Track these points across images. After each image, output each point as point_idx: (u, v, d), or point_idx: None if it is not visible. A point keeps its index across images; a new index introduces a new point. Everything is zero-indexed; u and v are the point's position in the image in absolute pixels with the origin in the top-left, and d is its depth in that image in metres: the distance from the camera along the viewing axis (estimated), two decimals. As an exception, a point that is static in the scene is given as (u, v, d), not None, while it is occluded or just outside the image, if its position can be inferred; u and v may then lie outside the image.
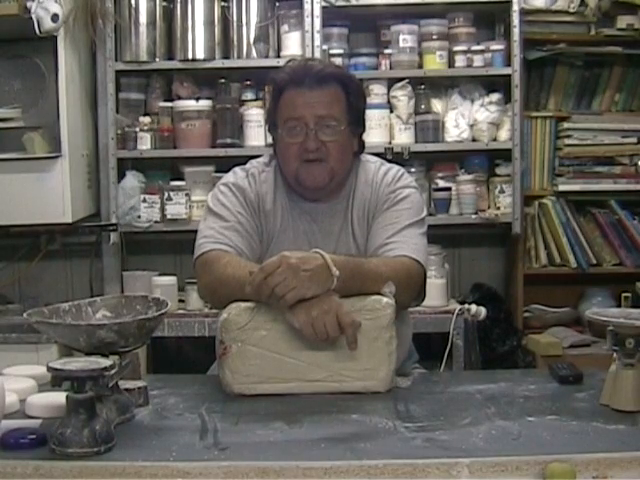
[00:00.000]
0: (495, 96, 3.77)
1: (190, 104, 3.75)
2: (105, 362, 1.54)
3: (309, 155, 2.11)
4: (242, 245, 2.09)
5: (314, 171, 2.11)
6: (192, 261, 2.13)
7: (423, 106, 3.80)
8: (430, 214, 3.66)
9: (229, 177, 2.22)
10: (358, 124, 2.20)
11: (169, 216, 3.71)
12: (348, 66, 3.75)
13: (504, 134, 3.78)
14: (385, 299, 1.89)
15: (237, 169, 2.25)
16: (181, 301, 3.68)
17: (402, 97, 3.74)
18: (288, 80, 2.13)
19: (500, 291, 3.97)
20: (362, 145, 2.25)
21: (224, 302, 1.92)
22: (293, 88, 2.12)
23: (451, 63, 3.77)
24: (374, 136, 3.67)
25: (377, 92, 3.76)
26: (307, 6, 3.69)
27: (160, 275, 3.74)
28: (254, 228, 2.14)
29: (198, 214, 3.61)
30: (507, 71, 3.72)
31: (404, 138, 3.76)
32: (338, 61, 3.71)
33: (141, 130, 3.75)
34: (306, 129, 2.10)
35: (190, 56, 3.73)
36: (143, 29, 3.71)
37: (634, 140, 3.87)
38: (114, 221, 3.76)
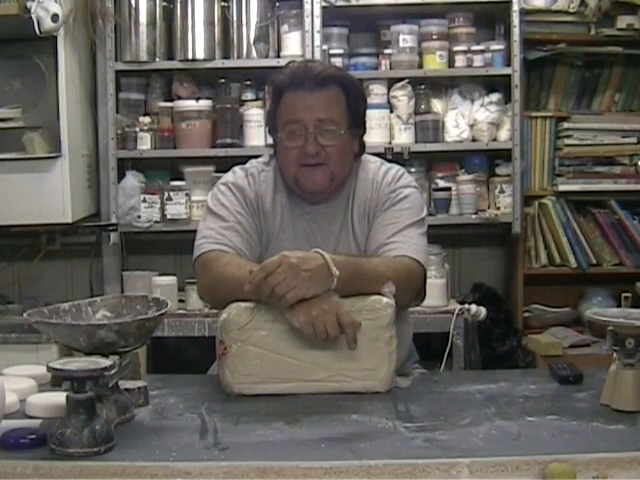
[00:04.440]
0: (495, 96, 3.77)
1: (190, 104, 3.74)
2: (105, 362, 1.54)
3: (309, 160, 2.10)
4: (241, 245, 2.09)
5: (314, 175, 2.11)
6: (192, 261, 2.13)
7: (423, 106, 3.80)
8: (430, 214, 3.65)
9: (228, 177, 2.22)
10: (358, 126, 2.19)
11: (169, 216, 3.71)
12: (348, 66, 3.76)
13: (504, 134, 3.78)
14: (385, 299, 1.89)
15: (236, 168, 2.25)
16: (181, 301, 3.69)
17: (402, 97, 3.74)
18: (288, 82, 2.12)
19: (500, 291, 3.97)
20: (363, 146, 2.24)
21: (224, 302, 1.92)
22: (293, 90, 2.11)
23: (451, 63, 3.77)
24: (374, 136, 3.66)
25: (377, 92, 3.76)
26: (307, 6, 3.68)
27: (160, 275, 3.74)
28: (253, 228, 2.14)
29: (198, 214, 3.61)
30: (507, 71, 3.72)
31: (404, 138, 3.76)
32: (338, 61, 3.71)
33: (141, 130, 3.74)
34: (305, 133, 2.09)
35: (190, 56, 3.73)
36: (143, 29, 3.71)
37: (634, 140, 3.87)
38: (114, 221, 3.76)
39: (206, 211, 2.19)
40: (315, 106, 2.09)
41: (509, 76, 3.71)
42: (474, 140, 3.80)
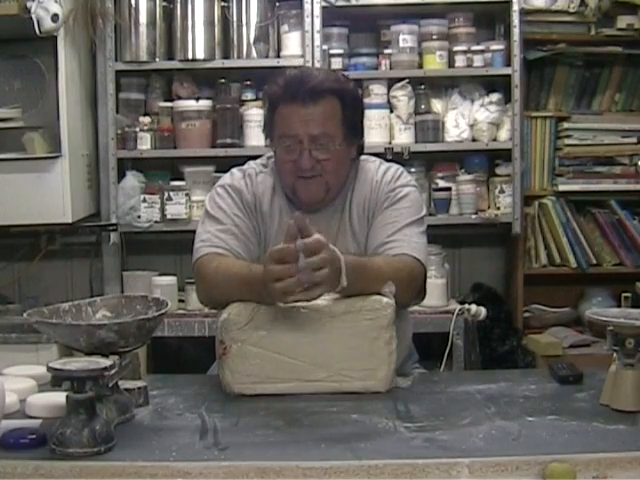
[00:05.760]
0: (495, 96, 3.77)
1: (190, 104, 3.74)
2: (105, 362, 1.54)
3: (304, 173, 2.09)
4: (238, 248, 2.09)
5: (310, 187, 2.11)
6: (192, 264, 2.13)
7: (423, 106, 3.80)
8: (430, 214, 3.66)
9: (226, 178, 2.22)
10: (355, 134, 2.16)
11: (169, 216, 3.71)
12: (348, 66, 3.76)
13: (504, 134, 3.78)
14: (385, 299, 1.89)
15: (234, 170, 2.24)
16: (181, 301, 3.69)
17: (402, 97, 3.74)
18: (281, 94, 2.10)
19: (500, 291, 3.97)
20: (361, 147, 2.23)
21: (222, 304, 1.93)
22: (287, 103, 2.08)
23: (451, 63, 3.77)
24: (374, 136, 3.67)
25: (377, 92, 3.76)
26: (307, 6, 3.68)
27: (160, 275, 3.74)
28: (251, 230, 2.14)
29: (198, 214, 3.60)
30: (507, 71, 3.72)
31: (404, 138, 3.76)
32: (338, 61, 3.72)
33: (141, 130, 3.74)
34: (300, 147, 2.08)
35: (190, 56, 3.73)
36: (143, 29, 3.71)
37: (634, 140, 3.87)
38: (114, 221, 3.76)
39: (204, 214, 2.19)
40: (309, 121, 2.06)
41: (509, 76, 3.71)
42: (474, 140, 3.80)
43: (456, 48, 3.75)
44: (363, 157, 2.25)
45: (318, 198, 2.13)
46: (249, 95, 3.81)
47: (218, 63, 3.76)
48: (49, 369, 1.51)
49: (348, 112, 2.12)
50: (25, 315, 1.70)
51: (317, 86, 2.07)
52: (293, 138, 2.08)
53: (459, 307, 3.44)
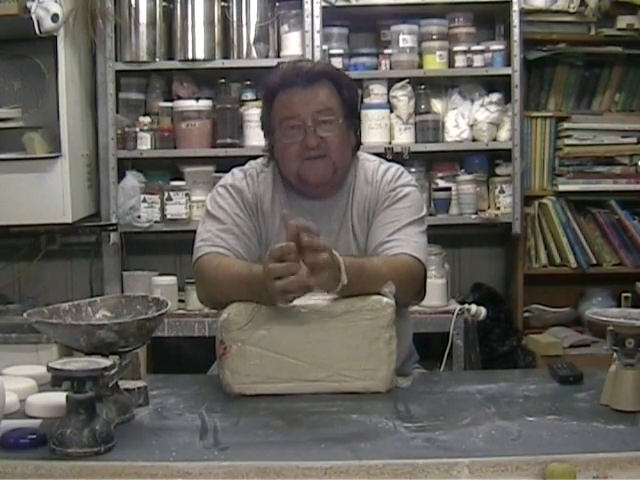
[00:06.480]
0: (495, 96, 3.77)
1: (190, 104, 3.75)
2: (105, 362, 1.54)
3: (310, 152, 2.10)
4: (239, 247, 2.09)
5: (317, 167, 2.11)
6: (192, 263, 2.13)
7: (423, 106, 3.80)
8: (430, 214, 3.66)
9: (227, 178, 2.23)
10: (353, 118, 2.20)
11: (169, 216, 3.71)
12: (348, 66, 3.76)
13: (504, 134, 3.78)
14: (385, 299, 1.89)
15: (235, 170, 2.25)
16: (181, 301, 3.69)
17: (402, 97, 3.74)
18: (279, 83, 2.13)
19: (500, 291, 3.97)
20: (359, 140, 2.25)
21: (222, 304, 1.94)
22: (286, 90, 2.12)
23: (451, 63, 3.77)
24: (374, 136, 3.67)
25: (377, 92, 3.76)
26: (307, 6, 3.69)
27: (160, 275, 3.74)
28: (252, 230, 2.15)
29: (198, 214, 3.61)
30: (507, 71, 3.72)
31: (404, 138, 3.76)
32: (338, 61, 3.71)
33: (141, 130, 3.74)
34: (304, 127, 2.10)
35: (190, 56, 3.73)
36: (143, 29, 3.71)
37: (634, 140, 3.87)
38: (114, 221, 3.76)
39: (205, 214, 2.20)
40: (310, 100, 2.10)
41: (509, 76, 3.71)
42: (474, 140, 3.80)
43: (456, 48, 3.75)
44: (363, 156, 2.26)
45: (325, 179, 2.13)
46: (249, 95, 3.81)
47: (218, 63, 3.76)
48: (49, 369, 1.51)
49: (345, 94, 2.16)
50: (25, 315, 1.70)
51: (312, 70, 2.13)
52: (296, 119, 2.10)
53: (459, 307, 3.44)
